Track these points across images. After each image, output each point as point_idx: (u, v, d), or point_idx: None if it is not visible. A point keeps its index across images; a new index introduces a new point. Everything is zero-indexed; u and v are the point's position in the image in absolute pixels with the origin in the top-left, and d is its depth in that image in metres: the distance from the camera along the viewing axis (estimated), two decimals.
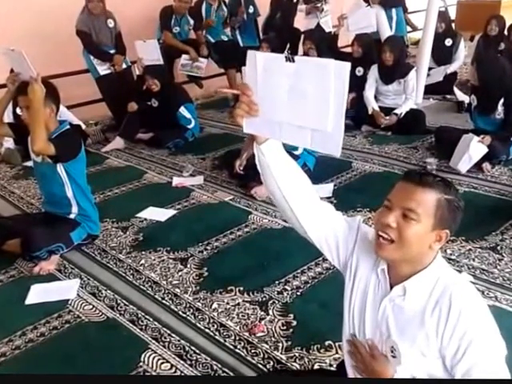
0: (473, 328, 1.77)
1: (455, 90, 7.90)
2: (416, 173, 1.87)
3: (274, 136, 1.87)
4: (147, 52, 7.02)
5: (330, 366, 2.91)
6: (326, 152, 1.76)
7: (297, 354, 3.03)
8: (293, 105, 1.74)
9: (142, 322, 3.38)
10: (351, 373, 2.11)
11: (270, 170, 1.94)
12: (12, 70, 4.23)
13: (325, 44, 7.90)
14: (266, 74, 1.77)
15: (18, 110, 4.17)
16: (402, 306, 1.90)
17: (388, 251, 1.85)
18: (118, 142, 6.79)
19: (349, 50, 7.66)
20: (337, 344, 3.02)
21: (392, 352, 1.91)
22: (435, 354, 1.83)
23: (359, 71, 7.13)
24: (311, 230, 2.07)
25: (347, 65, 1.60)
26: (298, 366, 2.93)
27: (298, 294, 3.57)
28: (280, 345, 3.11)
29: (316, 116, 1.71)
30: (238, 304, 3.50)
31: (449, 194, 1.82)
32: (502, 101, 5.40)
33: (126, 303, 3.59)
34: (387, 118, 6.61)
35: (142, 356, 3.07)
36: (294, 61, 1.68)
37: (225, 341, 3.17)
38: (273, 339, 3.15)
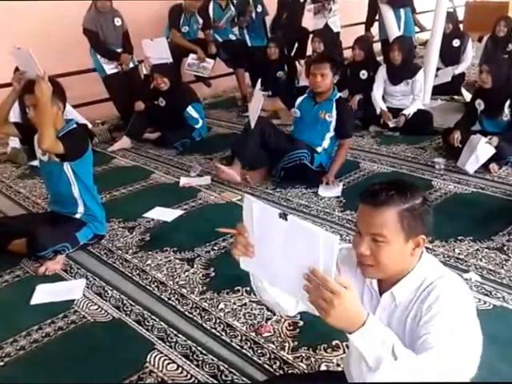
0: (447, 309, 1.73)
1: (463, 90, 7.90)
2: (369, 194, 1.83)
3: (268, 280, 1.89)
4: (155, 51, 7.02)
5: (337, 365, 2.89)
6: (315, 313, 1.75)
7: (303, 354, 3.01)
8: (286, 260, 1.71)
9: (148, 322, 3.37)
10: (349, 377, 2.10)
11: (267, 292, 2.01)
12: (17, 69, 4.24)
13: (332, 44, 7.91)
14: (261, 224, 1.77)
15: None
16: (395, 312, 1.91)
17: (372, 274, 1.88)
18: (124, 142, 6.79)
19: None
20: (344, 344, 3.01)
21: (392, 353, 1.90)
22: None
23: (363, 74, 7.13)
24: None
25: (335, 239, 1.56)
26: (304, 366, 2.92)
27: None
28: (286, 345, 3.09)
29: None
30: (245, 304, 3.49)
31: (407, 203, 1.79)
32: (508, 102, 5.39)
33: (132, 303, 3.58)
34: (395, 119, 6.60)
35: (148, 356, 3.05)
36: (286, 219, 1.66)
37: (231, 341, 3.15)
38: (279, 339, 3.14)
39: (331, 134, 5.32)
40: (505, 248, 3.99)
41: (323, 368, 2.90)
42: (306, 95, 5.44)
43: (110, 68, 7.19)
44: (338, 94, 5.38)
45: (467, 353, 1.70)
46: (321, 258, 1.59)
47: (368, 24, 9.53)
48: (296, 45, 9.29)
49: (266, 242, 1.77)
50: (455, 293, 1.79)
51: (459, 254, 3.93)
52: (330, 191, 5.06)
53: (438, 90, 7.81)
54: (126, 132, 6.87)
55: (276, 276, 1.80)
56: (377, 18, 9.01)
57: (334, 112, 5.23)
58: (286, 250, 1.70)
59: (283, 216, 1.66)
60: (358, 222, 1.87)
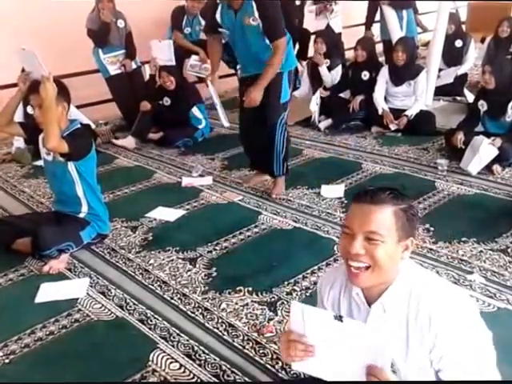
0: (456, 330, 1.78)
1: (465, 91, 7.87)
2: (365, 193, 1.87)
3: (324, 376, 1.88)
4: (161, 52, 7.05)
5: None
6: None
7: None
8: (343, 356, 1.78)
9: (151, 321, 3.38)
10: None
11: None
12: (23, 70, 4.25)
13: (334, 45, 7.90)
14: (313, 326, 1.82)
15: (29, 109, 4.17)
16: (386, 323, 1.91)
17: (365, 279, 1.86)
18: (129, 141, 6.81)
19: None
20: None
21: (392, 367, 1.91)
22: (429, 365, 1.85)
23: (365, 75, 7.08)
24: None
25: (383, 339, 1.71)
26: None
27: (307, 294, 3.56)
28: None
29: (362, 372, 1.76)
30: (247, 304, 3.49)
31: (402, 204, 1.85)
32: (511, 103, 5.39)
33: (135, 302, 3.59)
34: (397, 121, 6.61)
35: (151, 355, 3.06)
36: (342, 321, 1.74)
37: (233, 341, 3.16)
38: None
39: (267, 41, 4.76)
40: (509, 250, 3.97)
41: None
42: (220, 7, 4.83)
43: (113, 69, 7.21)
44: None
45: (485, 364, 1.77)
46: (377, 355, 1.71)
47: (368, 24, 9.53)
48: (297, 46, 9.28)
49: (319, 342, 1.82)
50: (453, 307, 1.82)
51: (463, 255, 3.92)
52: (332, 192, 5.06)
53: (440, 91, 7.81)
54: (131, 132, 6.89)
55: (332, 372, 1.84)
56: (378, 18, 9.01)
57: (256, 13, 4.60)
58: (342, 347, 1.76)
59: (338, 318, 1.74)
60: (349, 221, 1.88)
